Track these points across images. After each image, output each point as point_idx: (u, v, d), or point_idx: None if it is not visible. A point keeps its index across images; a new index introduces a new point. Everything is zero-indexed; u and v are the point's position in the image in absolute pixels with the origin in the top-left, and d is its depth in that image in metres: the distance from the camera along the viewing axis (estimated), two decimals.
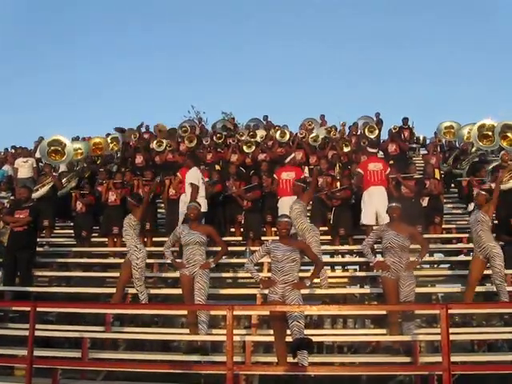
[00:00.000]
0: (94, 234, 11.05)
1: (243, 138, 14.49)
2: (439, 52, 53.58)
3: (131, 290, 8.15)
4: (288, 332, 6.19)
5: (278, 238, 6.56)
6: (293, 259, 6.17)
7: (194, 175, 9.20)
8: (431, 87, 52.52)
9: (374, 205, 9.51)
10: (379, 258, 7.69)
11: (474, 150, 12.49)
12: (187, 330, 7.35)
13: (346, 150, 13.32)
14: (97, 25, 56.07)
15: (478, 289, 7.90)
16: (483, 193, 7.79)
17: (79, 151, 13.03)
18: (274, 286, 6.20)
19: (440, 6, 51.19)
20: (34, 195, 10.76)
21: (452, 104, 45.58)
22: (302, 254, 6.34)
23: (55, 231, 11.83)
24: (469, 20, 53.44)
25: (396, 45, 56.44)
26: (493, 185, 10.23)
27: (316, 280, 7.93)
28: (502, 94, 51.38)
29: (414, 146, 16.07)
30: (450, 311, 5.40)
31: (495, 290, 7.42)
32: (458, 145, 14.42)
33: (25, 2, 54.85)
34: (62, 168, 12.70)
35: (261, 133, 15.48)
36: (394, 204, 7.27)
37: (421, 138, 16.71)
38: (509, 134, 11.09)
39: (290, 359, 6.15)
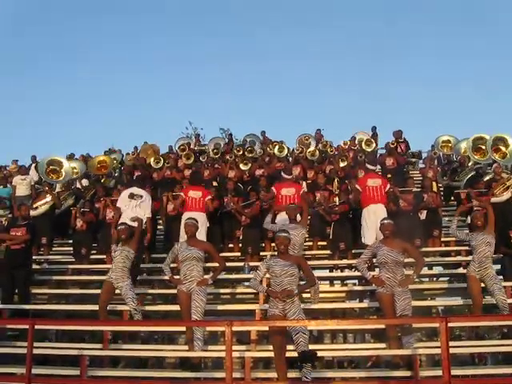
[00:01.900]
0: (92, 252, 11.03)
1: (240, 153, 14.53)
2: (439, 56, 54.37)
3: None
4: (288, 347, 6.17)
5: (276, 253, 6.55)
6: (291, 274, 6.17)
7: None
8: (431, 92, 53.13)
9: (375, 226, 9.26)
10: (376, 272, 7.67)
11: (470, 163, 12.54)
12: (186, 347, 7.32)
13: (342, 164, 13.29)
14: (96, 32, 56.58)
15: None
16: (480, 215, 7.81)
17: (74, 170, 13.19)
18: (275, 300, 6.19)
19: (440, 8, 51.92)
20: (34, 213, 10.77)
21: (452, 110, 46.10)
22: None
23: (53, 248, 11.81)
24: (469, 23, 54.15)
25: (396, 46, 56.96)
26: (493, 199, 10.33)
27: (307, 295, 8.06)
28: (502, 99, 51.93)
29: (413, 160, 15.99)
30: (449, 324, 5.39)
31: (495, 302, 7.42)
32: (455, 158, 14.48)
33: (25, 2, 55.33)
34: (58, 188, 12.73)
35: (258, 149, 15.47)
36: (385, 221, 7.22)
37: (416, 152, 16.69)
38: (501, 147, 11.15)
39: (290, 374, 6.12)
